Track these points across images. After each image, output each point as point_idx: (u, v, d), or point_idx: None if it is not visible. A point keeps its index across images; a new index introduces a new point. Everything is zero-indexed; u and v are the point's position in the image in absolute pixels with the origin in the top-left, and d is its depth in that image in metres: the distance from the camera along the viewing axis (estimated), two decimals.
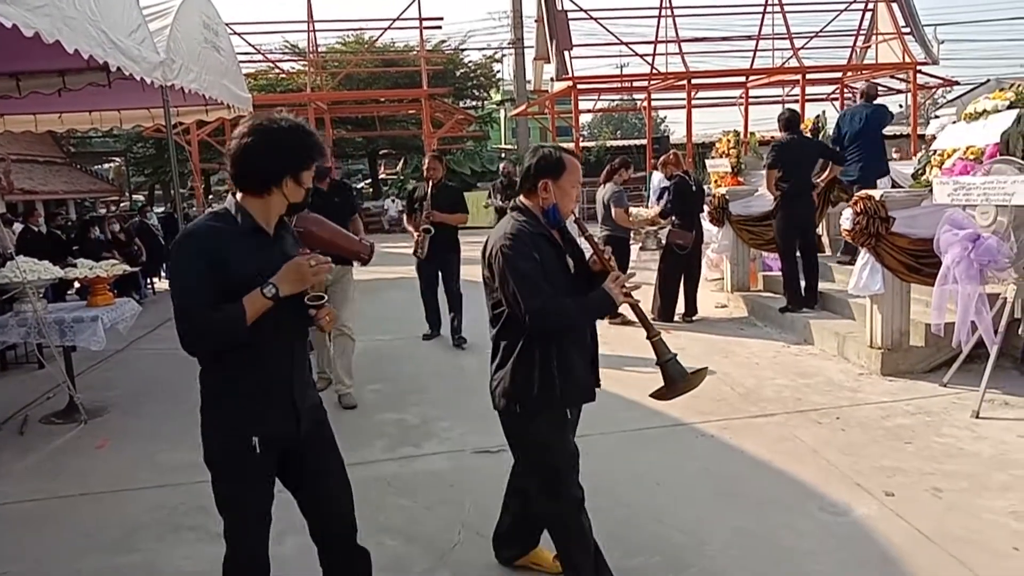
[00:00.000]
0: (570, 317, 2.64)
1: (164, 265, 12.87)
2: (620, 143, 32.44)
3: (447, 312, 7.54)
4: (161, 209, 19.53)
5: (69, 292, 9.08)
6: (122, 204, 25.53)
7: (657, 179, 13.11)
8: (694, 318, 8.13)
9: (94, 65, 6.31)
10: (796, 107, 17.79)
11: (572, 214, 2.76)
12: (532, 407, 2.71)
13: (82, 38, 5.34)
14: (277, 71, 24.95)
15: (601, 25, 20.27)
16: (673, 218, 7.95)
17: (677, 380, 2.77)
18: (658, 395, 2.81)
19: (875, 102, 8.42)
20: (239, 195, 2.31)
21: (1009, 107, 5.46)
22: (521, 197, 2.77)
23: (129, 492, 4.25)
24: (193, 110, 11.76)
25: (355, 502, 2.60)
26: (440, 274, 7.41)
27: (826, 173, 7.79)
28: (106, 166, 34.65)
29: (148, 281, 12.19)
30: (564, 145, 3.11)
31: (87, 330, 5.49)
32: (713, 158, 10.05)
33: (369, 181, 31.98)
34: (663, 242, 8.71)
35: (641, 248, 13.30)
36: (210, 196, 22.29)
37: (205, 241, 2.21)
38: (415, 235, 7.06)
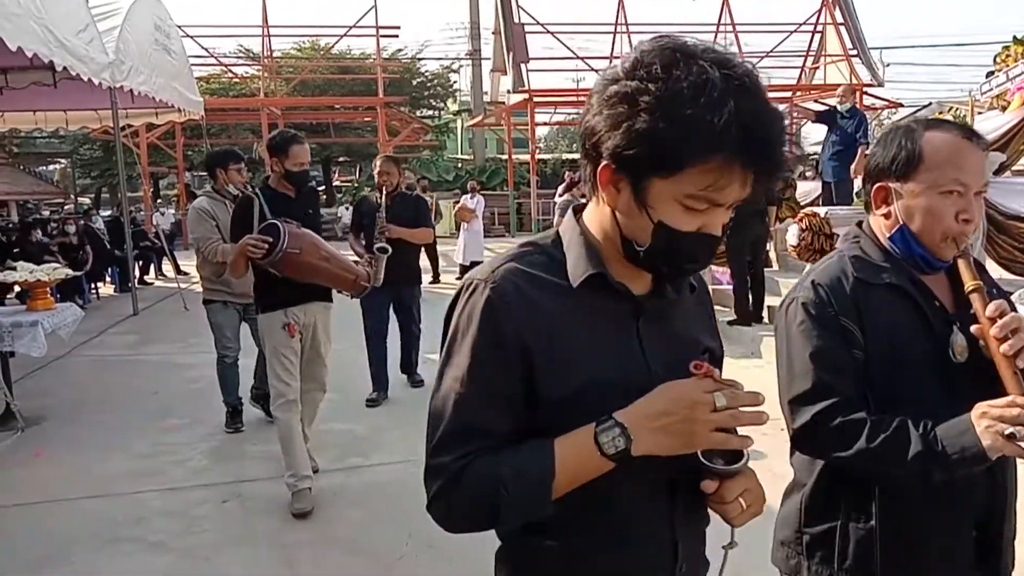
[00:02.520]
0: (869, 460, 1.36)
1: (109, 269, 12.59)
2: (576, 156, 32.63)
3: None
4: (108, 213, 19.07)
5: (9, 296, 8.81)
6: (66, 207, 24.92)
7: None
8: None
9: (38, 64, 6.18)
10: None
11: (953, 244, 1.44)
12: None
13: (25, 35, 5.24)
14: (230, 75, 24.65)
15: (558, 39, 20.51)
16: None
17: None
18: None
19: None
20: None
21: None
22: (868, 215, 1.59)
23: (65, 503, 4.11)
24: (142, 112, 11.59)
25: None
26: (393, 309, 5.90)
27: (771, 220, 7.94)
28: (51, 168, 33.81)
29: (92, 286, 11.90)
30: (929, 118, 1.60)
31: (26, 335, 5.32)
32: None
33: (323, 188, 31.75)
34: None
35: None
36: (158, 200, 21.86)
37: (514, 307, 1.08)
38: (362, 261, 4.85)
